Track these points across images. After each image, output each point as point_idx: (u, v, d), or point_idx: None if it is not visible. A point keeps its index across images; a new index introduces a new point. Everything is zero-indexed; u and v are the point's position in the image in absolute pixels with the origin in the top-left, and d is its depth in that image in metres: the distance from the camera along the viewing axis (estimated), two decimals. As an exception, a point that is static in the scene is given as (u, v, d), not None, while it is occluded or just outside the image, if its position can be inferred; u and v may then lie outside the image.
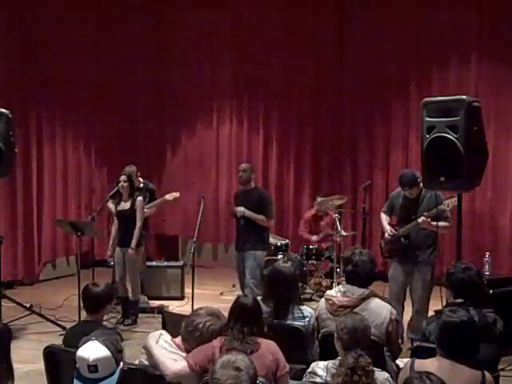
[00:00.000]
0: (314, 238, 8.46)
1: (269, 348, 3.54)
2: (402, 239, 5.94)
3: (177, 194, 7.89)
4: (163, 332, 3.80)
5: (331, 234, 8.31)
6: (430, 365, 3.12)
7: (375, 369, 3.24)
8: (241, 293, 6.64)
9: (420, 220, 5.73)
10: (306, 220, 8.73)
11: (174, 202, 8.27)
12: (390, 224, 6.18)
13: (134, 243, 6.81)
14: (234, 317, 3.65)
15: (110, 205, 7.50)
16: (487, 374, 3.10)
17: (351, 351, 3.21)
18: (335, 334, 3.49)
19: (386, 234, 6.06)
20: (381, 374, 3.33)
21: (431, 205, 5.74)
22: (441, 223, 5.62)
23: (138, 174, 7.63)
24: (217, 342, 3.57)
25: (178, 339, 3.70)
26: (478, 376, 3.09)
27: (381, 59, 9.06)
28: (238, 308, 3.72)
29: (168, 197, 7.80)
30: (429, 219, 5.71)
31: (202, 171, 10.24)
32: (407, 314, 6.00)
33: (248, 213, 6.82)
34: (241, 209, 6.85)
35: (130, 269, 6.92)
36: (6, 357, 3.30)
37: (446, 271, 4.14)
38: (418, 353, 3.59)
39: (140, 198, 6.97)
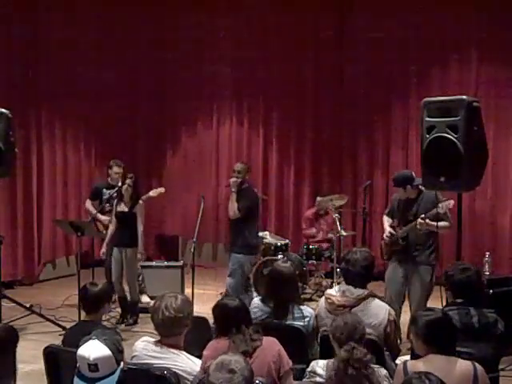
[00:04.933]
0: (314, 230, 8.48)
1: (271, 343, 3.51)
2: (400, 241, 5.90)
3: (162, 190, 7.71)
4: (145, 338, 3.68)
5: (331, 237, 8.31)
6: (422, 364, 3.13)
7: (374, 365, 3.23)
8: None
9: (418, 222, 5.66)
10: (307, 218, 8.74)
11: (176, 202, 8.21)
12: (391, 226, 6.16)
13: (141, 247, 6.89)
14: (232, 320, 3.58)
15: (90, 207, 7.56)
16: (477, 365, 3.13)
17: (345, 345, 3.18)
18: (330, 336, 3.48)
19: (384, 236, 6.04)
20: (380, 370, 3.33)
21: (429, 205, 5.72)
22: (441, 223, 5.57)
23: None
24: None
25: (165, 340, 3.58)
26: (469, 366, 3.12)
27: (381, 59, 9.06)
28: (233, 310, 3.67)
29: (152, 193, 7.58)
30: (427, 220, 5.63)
31: (201, 171, 10.23)
32: (407, 315, 5.99)
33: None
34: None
35: (128, 270, 6.91)
36: (11, 357, 3.31)
37: (445, 272, 4.13)
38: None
39: (141, 202, 6.97)
